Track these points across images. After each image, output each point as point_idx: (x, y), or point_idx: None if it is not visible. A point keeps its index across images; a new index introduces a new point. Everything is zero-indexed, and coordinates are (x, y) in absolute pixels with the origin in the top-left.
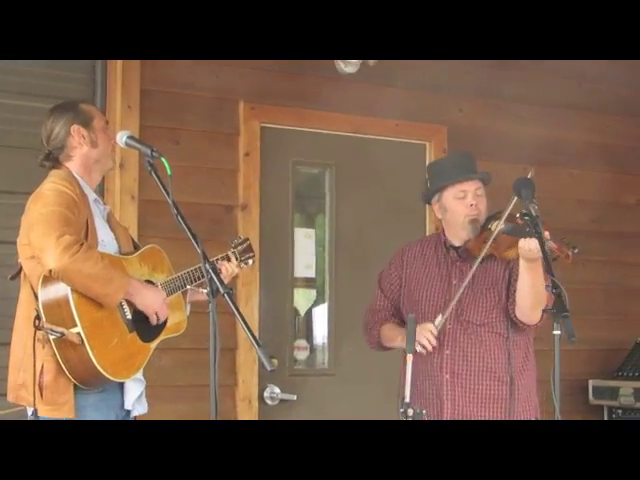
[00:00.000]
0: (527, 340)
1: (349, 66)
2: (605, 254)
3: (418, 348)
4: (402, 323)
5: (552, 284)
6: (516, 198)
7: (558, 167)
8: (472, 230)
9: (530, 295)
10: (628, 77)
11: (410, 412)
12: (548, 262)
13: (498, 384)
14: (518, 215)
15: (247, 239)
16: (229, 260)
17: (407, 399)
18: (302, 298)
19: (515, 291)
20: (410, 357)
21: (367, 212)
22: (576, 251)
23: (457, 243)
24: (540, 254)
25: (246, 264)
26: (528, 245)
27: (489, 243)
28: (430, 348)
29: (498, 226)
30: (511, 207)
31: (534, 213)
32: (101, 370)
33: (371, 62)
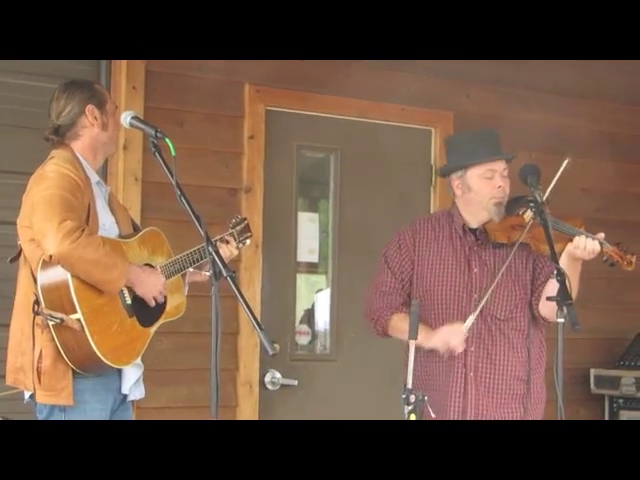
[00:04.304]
0: (541, 336)
1: None
2: (609, 243)
3: (443, 349)
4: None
5: (556, 272)
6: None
7: (563, 155)
8: (497, 213)
9: None
10: (635, 66)
11: (412, 398)
12: (553, 250)
13: (518, 382)
14: (525, 201)
15: (245, 219)
16: (227, 242)
17: (409, 385)
18: (305, 283)
19: (540, 285)
20: (412, 344)
21: (371, 197)
22: (635, 257)
23: (474, 225)
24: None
25: (244, 244)
26: (586, 244)
27: (525, 232)
28: (460, 351)
29: (533, 214)
30: (545, 196)
31: (540, 200)
32: (101, 357)
33: None
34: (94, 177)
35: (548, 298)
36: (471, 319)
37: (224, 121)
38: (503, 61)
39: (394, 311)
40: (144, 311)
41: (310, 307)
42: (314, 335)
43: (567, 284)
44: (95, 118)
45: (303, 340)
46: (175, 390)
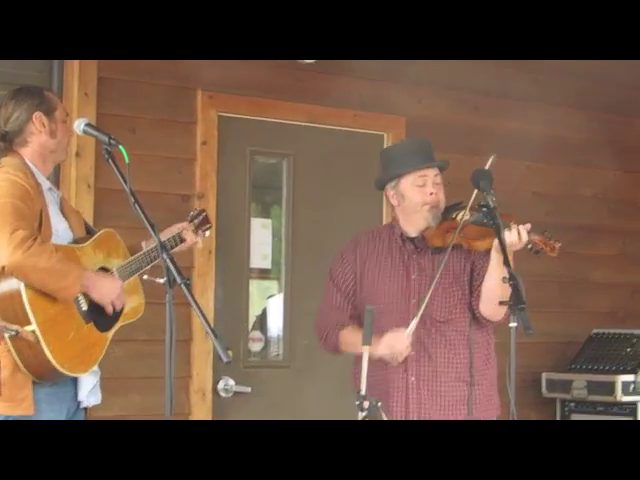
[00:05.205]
0: (488, 338)
1: None
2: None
3: (390, 356)
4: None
5: (509, 276)
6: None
7: (514, 159)
8: (433, 218)
9: (499, 288)
10: (585, 70)
11: (366, 404)
12: (506, 254)
13: (460, 384)
14: (477, 206)
15: (203, 210)
16: (183, 241)
17: (363, 391)
18: (256, 289)
19: (479, 285)
20: (366, 349)
21: (324, 202)
22: (559, 244)
23: (413, 233)
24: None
25: (203, 235)
26: (512, 238)
27: (457, 233)
28: (405, 355)
29: (464, 215)
30: (474, 196)
31: (492, 204)
32: (58, 367)
33: None
34: (45, 183)
35: (501, 303)
36: (414, 323)
37: (177, 127)
38: (455, 66)
39: (341, 327)
40: (101, 316)
41: (263, 313)
42: (267, 341)
43: (519, 288)
44: (43, 125)
45: (256, 347)
46: (128, 398)
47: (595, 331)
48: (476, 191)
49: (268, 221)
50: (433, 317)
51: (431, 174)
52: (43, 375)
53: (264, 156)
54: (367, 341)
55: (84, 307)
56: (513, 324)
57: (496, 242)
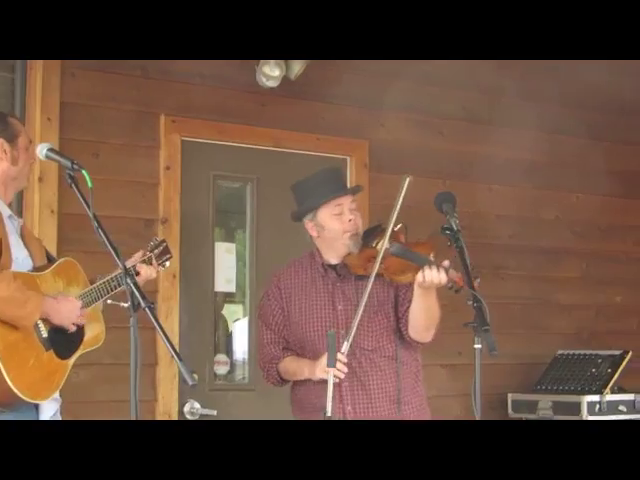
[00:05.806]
0: (416, 356)
1: (270, 80)
2: (523, 269)
3: (332, 378)
4: (298, 354)
5: (473, 298)
6: (396, 215)
7: (477, 182)
8: (354, 245)
9: (425, 317)
10: (547, 93)
11: None
12: (469, 276)
13: (394, 405)
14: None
15: (163, 240)
16: (150, 263)
17: (329, 412)
18: (222, 313)
19: (406, 311)
20: (331, 372)
21: (288, 227)
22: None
23: (334, 261)
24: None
25: (164, 266)
26: (432, 278)
27: (377, 264)
28: (343, 376)
29: (383, 245)
30: (392, 225)
31: (455, 227)
32: (19, 393)
33: (293, 76)
34: (5, 211)
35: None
36: (346, 345)
37: (140, 152)
38: (416, 89)
39: (278, 361)
40: (61, 343)
41: (228, 337)
42: (232, 365)
43: (483, 310)
44: (4, 152)
45: (222, 370)
46: None
47: (560, 352)
48: (394, 216)
49: (232, 245)
50: (361, 346)
51: (346, 201)
52: (4, 402)
53: (228, 180)
54: (331, 364)
55: (44, 334)
56: (478, 346)
57: (417, 277)
